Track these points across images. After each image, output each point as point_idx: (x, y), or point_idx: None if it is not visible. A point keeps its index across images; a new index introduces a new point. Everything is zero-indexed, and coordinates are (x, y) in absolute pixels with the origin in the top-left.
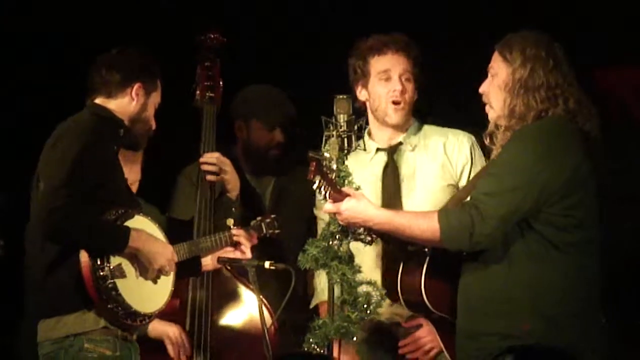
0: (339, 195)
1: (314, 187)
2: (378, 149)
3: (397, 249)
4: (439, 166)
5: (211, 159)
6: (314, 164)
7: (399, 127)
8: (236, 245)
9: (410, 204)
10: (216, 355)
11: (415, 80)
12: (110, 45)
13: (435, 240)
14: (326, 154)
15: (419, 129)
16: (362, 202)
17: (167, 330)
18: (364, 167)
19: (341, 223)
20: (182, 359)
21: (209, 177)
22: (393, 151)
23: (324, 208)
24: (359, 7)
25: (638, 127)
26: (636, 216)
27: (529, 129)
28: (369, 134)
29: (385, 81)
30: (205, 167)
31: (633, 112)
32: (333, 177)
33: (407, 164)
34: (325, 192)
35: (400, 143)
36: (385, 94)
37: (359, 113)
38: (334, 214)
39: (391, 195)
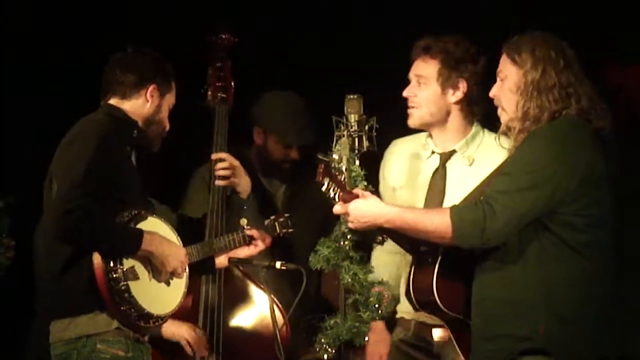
0: (348, 197)
1: (323, 189)
2: (434, 152)
3: (408, 249)
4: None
5: (221, 161)
6: (323, 165)
7: (450, 132)
8: (249, 242)
9: None
10: (228, 354)
11: (444, 81)
12: (114, 45)
13: (447, 236)
14: (334, 156)
15: (479, 137)
16: (370, 200)
17: (181, 331)
18: (418, 164)
19: (350, 226)
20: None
21: (219, 182)
22: (446, 158)
23: (333, 210)
24: (360, 8)
25: None
26: None
27: (543, 130)
28: (430, 135)
29: None
30: (218, 173)
31: None
32: (342, 178)
33: (457, 174)
34: (335, 194)
35: (455, 151)
36: None
37: (370, 113)
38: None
39: (434, 201)
